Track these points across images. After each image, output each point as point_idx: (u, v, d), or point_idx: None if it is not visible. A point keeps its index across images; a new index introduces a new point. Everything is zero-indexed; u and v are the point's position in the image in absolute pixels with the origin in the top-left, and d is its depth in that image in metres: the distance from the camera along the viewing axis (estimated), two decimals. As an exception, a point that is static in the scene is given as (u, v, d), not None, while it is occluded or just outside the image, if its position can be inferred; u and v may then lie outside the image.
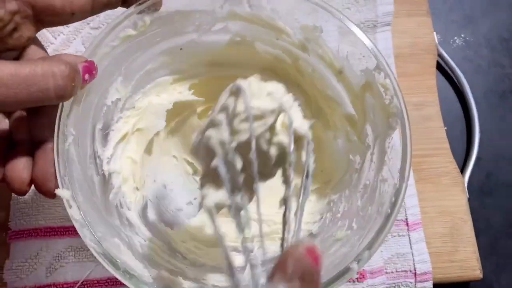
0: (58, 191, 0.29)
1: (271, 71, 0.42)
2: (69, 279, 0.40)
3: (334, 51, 0.37)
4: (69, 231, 0.41)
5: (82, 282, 0.40)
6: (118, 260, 0.29)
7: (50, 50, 0.46)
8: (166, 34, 0.37)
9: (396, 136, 0.34)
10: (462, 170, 0.49)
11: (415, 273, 0.44)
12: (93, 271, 0.40)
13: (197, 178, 0.42)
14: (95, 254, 0.29)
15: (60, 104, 0.30)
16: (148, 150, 0.41)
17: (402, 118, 0.33)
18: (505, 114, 0.53)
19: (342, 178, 0.40)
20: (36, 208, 0.41)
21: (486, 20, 0.56)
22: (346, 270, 0.30)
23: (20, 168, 0.29)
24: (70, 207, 0.29)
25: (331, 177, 0.42)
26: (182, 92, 0.41)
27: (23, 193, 0.30)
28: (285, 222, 0.26)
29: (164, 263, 0.35)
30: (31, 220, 0.41)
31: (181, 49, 0.38)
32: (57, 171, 0.29)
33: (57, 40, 0.46)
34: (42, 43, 0.45)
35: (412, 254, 0.44)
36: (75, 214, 0.30)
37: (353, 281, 0.42)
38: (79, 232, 0.30)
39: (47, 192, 0.30)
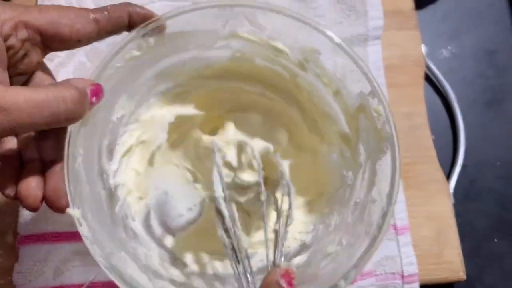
0: (69, 211, 0.31)
1: (270, 85, 0.44)
2: (75, 282, 0.42)
3: (331, 72, 0.38)
4: (76, 236, 0.43)
5: (88, 285, 0.42)
6: (124, 274, 0.31)
7: (56, 63, 0.48)
8: (169, 52, 0.39)
9: (387, 159, 0.35)
10: (448, 177, 0.52)
11: (402, 275, 0.46)
12: (98, 274, 0.42)
13: (198, 185, 0.44)
14: (104, 269, 0.31)
15: (69, 126, 0.32)
16: (151, 161, 0.43)
17: (393, 144, 0.34)
18: (489, 123, 0.55)
19: (335, 192, 0.42)
20: (43, 214, 0.43)
21: (472, 33, 0.59)
22: (334, 286, 0.31)
23: (33, 186, 0.30)
24: (81, 225, 0.31)
25: (324, 189, 0.44)
26: (183, 105, 0.43)
27: (36, 210, 0.31)
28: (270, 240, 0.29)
29: (167, 274, 0.37)
30: (39, 226, 0.43)
31: (184, 64, 0.40)
32: (67, 191, 0.31)
33: (63, 53, 0.48)
34: (50, 56, 0.47)
35: (400, 257, 0.46)
36: (85, 231, 0.31)
37: (344, 283, 0.45)
38: (89, 248, 0.31)
39: (59, 209, 0.31)
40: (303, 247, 0.40)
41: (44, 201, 0.31)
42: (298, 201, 0.43)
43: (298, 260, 0.39)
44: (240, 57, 0.41)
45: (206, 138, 0.43)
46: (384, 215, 0.33)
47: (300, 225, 0.41)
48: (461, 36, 0.59)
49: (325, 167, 0.44)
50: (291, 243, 0.41)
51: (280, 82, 0.43)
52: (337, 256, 0.35)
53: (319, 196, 0.44)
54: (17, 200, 0.31)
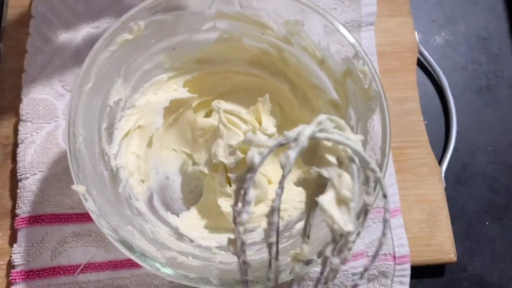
0: (74, 187, 0.32)
1: (259, 63, 0.45)
2: (72, 262, 0.43)
3: (316, 42, 0.40)
4: (72, 218, 0.44)
5: (84, 265, 0.43)
6: (133, 245, 0.32)
7: (54, 48, 0.48)
8: (159, 36, 0.39)
9: (376, 117, 0.37)
10: (440, 161, 0.53)
11: (394, 256, 0.47)
12: (95, 255, 0.43)
13: (196, 168, 0.45)
14: (112, 241, 0.32)
15: (69, 107, 0.32)
16: (150, 145, 0.44)
17: (381, 100, 0.37)
18: (481, 108, 0.56)
19: None
20: (41, 197, 0.44)
21: (465, 20, 0.60)
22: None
23: None
24: (86, 200, 0.32)
25: None
26: (177, 89, 0.44)
27: None
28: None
29: (174, 246, 0.38)
30: (37, 208, 0.44)
31: (174, 49, 0.41)
32: (71, 168, 0.32)
33: (59, 38, 0.49)
34: (44, 41, 0.47)
35: (392, 239, 0.47)
36: (91, 206, 0.32)
37: (336, 264, 0.46)
38: (96, 222, 0.32)
39: None
40: (304, 214, 0.42)
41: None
42: (295, 173, 0.44)
43: (299, 225, 0.40)
44: (228, 38, 0.42)
45: (200, 120, 0.44)
46: (379, 167, 0.35)
47: (300, 195, 0.42)
48: (455, 23, 0.59)
49: None
50: (292, 212, 0.42)
51: (268, 60, 0.44)
52: None
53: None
54: None
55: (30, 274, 0.42)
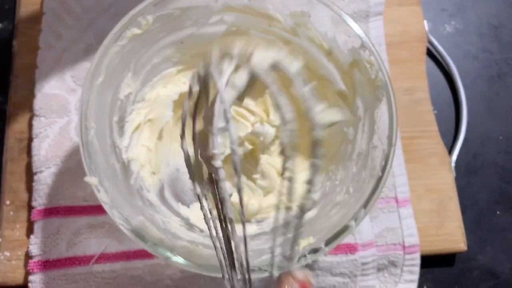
0: (86, 179, 0.33)
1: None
2: (87, 253, 0.44)
3: (323, 33, 0.41)
4: (86, 210, 0.45)
5: (98, 256, 0.44)
6: (145, 234, 0.33)
7: (65, 44, 0.49)
8: (168, 30, 0.40)
9: (383, 107, 0.37)
10: (450, 151, 0.52)
11: (403, 246, 0.47)
12: (108, 246, 0.44)
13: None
14: (125, 231, 0.33)
15: (80, 102, 0.33)
16: (160, 138, 0.45)
17: (387, 90, 0.37)
18: (492, 97, 0.56)
19: (338, 150, 0.44)
20: (56, 190, 0.45)
21: (476, 8, 0.59)
22: (346, 228, 0.34)
23: None
24: (99, 191, 0.33)
25: (327, 151, 0.45)
26: (186, 83, 0.44)
27: None
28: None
29: (185, 236, 0.39)
30: (52, 200, 0.45)
31: (182, 42, 0.42)
32: (83, 161, 0.33)
33: (70, 34, 0.50)
34: (56, 37, 0.48)
35: (401, 229, 0.48)
36: (103, 197, 0.33)
37: (346, 253, 0.46)
38: (108, 212, 0.33)
39: None
40: (312, 204, 0.42)
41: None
42: (304, 165, 0.44)
43: (308, 215, 0.41)
44: (235, 31, 0.42)
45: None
46: (386, 156, 0.35)
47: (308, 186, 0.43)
48: (465, 11, 0.59)
49: (328, 129, 0.45)
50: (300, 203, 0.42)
51: None
52: (345, 203, 0.37)
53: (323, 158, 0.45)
54: None
55: (46, 264, 0.43)
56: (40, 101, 0.47)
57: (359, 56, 0.39)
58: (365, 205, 0.34)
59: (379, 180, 0.35)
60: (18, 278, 0.44)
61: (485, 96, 0.56)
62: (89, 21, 0.51)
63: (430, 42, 0.55)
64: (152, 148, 0.44)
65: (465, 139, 0.53)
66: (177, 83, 0.45)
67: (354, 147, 0.41)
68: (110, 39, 0.37)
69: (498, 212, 0.52)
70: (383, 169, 0.35)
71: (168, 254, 0.33)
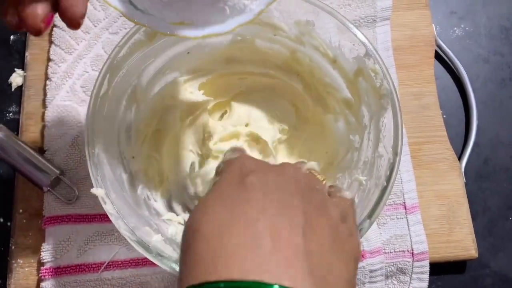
0: (93, 190, 0.34)
1: (272, 64, 0.45)
2: (97, 260, 0.45)
3: (327, 42, 0.41)
4: (96, 218, 0.46)
5: (108, 263, 0.45)
6: (150, 245, 0.34)
7: (74, 56, 0.50)
8: (174, 40, 0.41)
9: (389, 115, 0.37)
10: (460, 156, 0.52)
11: (412, 253, 0.47)
12: (118, 253, 0.45)
13: (208, 167, 0.46)
14: (130, 242, 0.34)
15: (87, 113, 0.34)
16: (167, 147, 0.45)
17: (392, 98, 0.37)
18: (503, 100, 0.55)
19: (344, 157, 0.44)
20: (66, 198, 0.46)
21: (486, 9, 0.58)
22: None
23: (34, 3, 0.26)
24: (105, 203, 0.34)
25: (334, 158, 0.45)
26: (193, 92, 0.45)
27: (38, 31, 0.27)
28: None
29: None
30: (63, 208, 0.46)
31: (188, 52, 0.42)
32: (90, 172, 0.34)
33: (80, 46, 0.51)
34: (66, 49, 0.50)
35: (410, 236, 0.47)
36: (109, 209, 0.34)
37: (353, 261, 0.46)
38: (114, 223, 0.34)
39: (71, 19, 0.28)
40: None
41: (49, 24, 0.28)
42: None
43: None
44: (241, 41, 0.42)
45: (212, 123, 0.45)
46: (391, 166, 0.35)
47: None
48: (475, 14, 0.58)
49: (333, 136, 0.45)
50: None
51: (281, 60, 0.45)
52: None
53: (330, 165, 0.45)
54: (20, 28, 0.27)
55: (58, 271, 0.44)
56: (51, 112, 0.49)
57: (364, 64, 0.39)
58: (370, 215, 0.34)
59: (384, 190, 0.35)
60: (31, 284, 0.45)
61: (495, 100, 0.55)
62: (98, 32, 0.52)
63: (438, 46, 0.55)
64: (159, 158, 0.45)
65: (475, 144, 0.52)
66: (184, 93, 0.45)
67: (360, 155, 0.41)
68: (117, 50, 0.38)
69: (510, 218, 0.51)
70: (388, 179, 0.35)
71: (173, 265, 0.34)
